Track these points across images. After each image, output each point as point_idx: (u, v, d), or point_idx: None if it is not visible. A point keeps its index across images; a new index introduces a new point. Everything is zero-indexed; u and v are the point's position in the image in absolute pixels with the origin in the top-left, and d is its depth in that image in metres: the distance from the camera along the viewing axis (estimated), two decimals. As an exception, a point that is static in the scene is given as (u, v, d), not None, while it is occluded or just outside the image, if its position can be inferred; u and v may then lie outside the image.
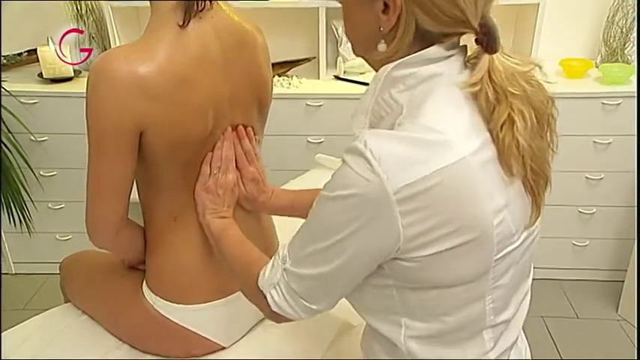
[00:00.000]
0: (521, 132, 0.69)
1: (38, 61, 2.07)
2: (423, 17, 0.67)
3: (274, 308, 0.78)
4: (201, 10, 0.87)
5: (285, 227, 1.18)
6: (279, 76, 2.19)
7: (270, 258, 0.81)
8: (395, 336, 0.76)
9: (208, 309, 1.03)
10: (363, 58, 0.79)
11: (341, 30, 2.23)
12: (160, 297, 1.02)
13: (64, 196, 2.21)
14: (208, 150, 0.97)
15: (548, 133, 0.74)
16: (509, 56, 0.71)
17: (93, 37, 2.18)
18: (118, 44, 2.06)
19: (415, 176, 0.63)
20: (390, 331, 0.77)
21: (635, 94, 1.97)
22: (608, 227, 2.20)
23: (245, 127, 1.01)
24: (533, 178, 0.72)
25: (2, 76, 2.07)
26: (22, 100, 2.01)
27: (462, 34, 0.71)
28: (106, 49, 2.18)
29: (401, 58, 0.71)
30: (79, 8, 2.11)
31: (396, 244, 0.66)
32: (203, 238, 1.01)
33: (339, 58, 2.19)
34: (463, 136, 0.67)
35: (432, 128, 0.66)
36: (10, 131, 2.01)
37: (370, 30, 0.72)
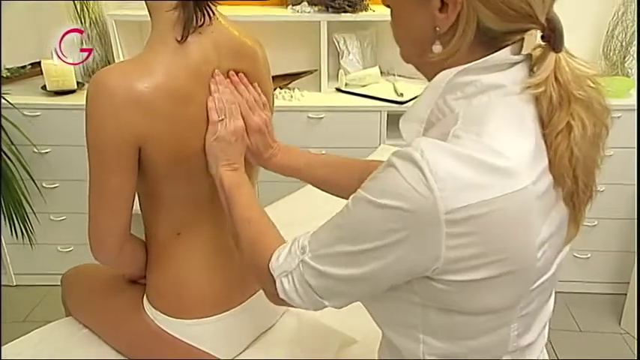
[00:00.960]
0: (577, 141, 0.64)
1: (42, 73, 2.09)
2: (486, 13, 0.62)
3: (282, 295, 0.75)
4: (200, 26, 0.88)
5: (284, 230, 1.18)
6: (281, 88, 2.20)
7: (278, 244, 0.78)
8: (414, 351, 0.73)
9: (209, 323, 1.02)
10: (413, 63, 0.74)
11: (342, 43, 2.25)
12: (161, 312, 1.02)
13: (65, 208, 2.22)
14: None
15: (601, 146, 0.68)
16: (573, 56, 0.66)
17: (96, 50, 2.20)
18: (120, 56, 2.08)
19: (471, 200, 0.59)
20: (408, 346, 0.74)
21: (635, 107, 1.98)
22: (610, 239, 2.19)
23: (237, 73, 0.96)
24: (578, 192, 0.68)
25: (6, 88, 2.09)
26: (25, 113, 2.02)
27: (527, 30, 0.66)
28: (109, 62, 2.21)
29: (459, 60, 0.66)
30: (82, 21, 2.14)
31: (433, 264, 0.63)
32: (206, 253, 1.01)
33: (341, 71, 2.21)
34: (527, 164, 0.63)
35: (498, 152, 0.61)
36: (13, 143, 2.02)
37: (425, 31, 0.67)
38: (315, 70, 2.25)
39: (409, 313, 0.71)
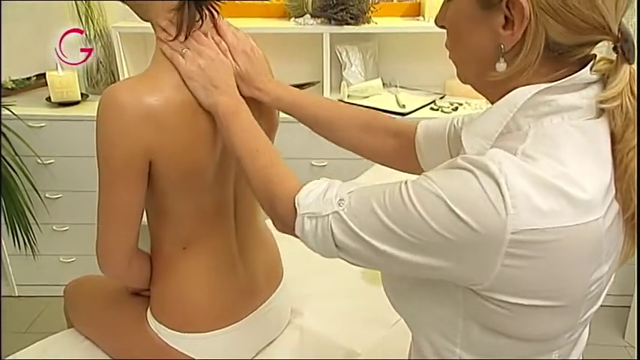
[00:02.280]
0: None
1: (47, 85, 2.10)
2: (555, 27, 0.59)
3: (297, 232, 0.72)
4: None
5: (289, 253, 1.18)
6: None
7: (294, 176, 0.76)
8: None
9: (214, 337, 1.02)
10: (473, 84, 0.71)
11: (345, 55, 2.26)
12: (165, 325, 1.02)
13: (68, 219, 2.22)
14: (218, 179, 0.97)
15: None
16: None
17: (101, 62, 2.22)
18: (125, 68, 2.09)
19: (541, 224, 0.57)
20: (441, 358, 0.72)
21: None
22: (614, 251, 2.18)
23: None
24: None
25: (11, 99, 2.11)
26: (29, 124, 2.03)
27: (597, 43, 0.63)
28: (113, 74, 2.23)
29: (525, 77, 0.63)
30: (87, 33, 2.15)
31: (484, 278, 0.61)
32: (211, 268, 1.01)
33: (343, 82, 2.22)
34: (602, 196, 0.60)
35: (576, 181, 0.58)
36: (17, 154, 2.03)
37: (487, 50, 0.64)
38: (318, 82, 2.26)
39: (449, 324, 0.69)
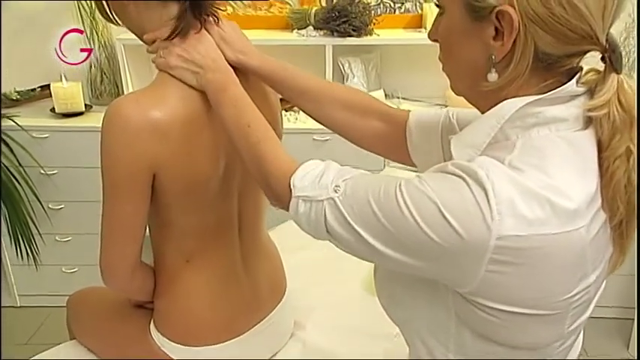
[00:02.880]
0: (635, 167, 0.62)
1: (51, 96, 2.12)
2: (544, 37, 0.60)
3: (291, 213, 0.72)
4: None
5: (290, 264, 1.18)
6: (286, 110, 2.22)
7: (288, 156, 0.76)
8: None
9: (217, 350, 1.02)
10: (466, 96, 0.72)
11: (347, 66, 2.27)
12: (168, 338, 1.01)
13: (71, 229, 2.22)
14: (222, 192, 0.97)
15: None
16: (633, 80, 0.64)
17: (105, 73, 2.23)
18: (128, 80, 2.11)
19: (526, 231, 0.58)
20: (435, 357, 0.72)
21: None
22: (617, 263, 2.17)
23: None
24: (629, 220, 0.66)
25: (16, 110, 2.12)
26: (33, 135, 2.04)
27: (585, 53, 0.64)
28: (117, 85, 2.24)
29: (515, 88, 0.64)
30: (92, 44, 2.17)
31: (468, 282, 0.62)
32: (214, 281, 1.01)
33: (346, 94, 2.23)
34: (587, 205, 0.61)
35: (562, 192, 0.60)
36: (20, 165, 2.04)
37: (479, 61, 0.65)
38: (320, 93, 2.27)
39: (442, 329, 0.70)
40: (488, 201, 0.58)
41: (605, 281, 0.72)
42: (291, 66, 0.96)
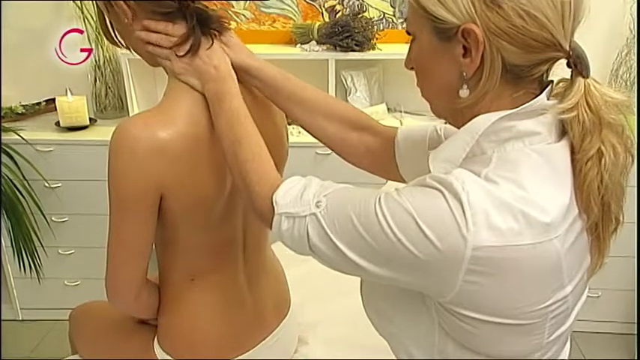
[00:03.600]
0: (608, 168, 0.64)
1: (56, 110, 2.13)
2: (509, 49, 0.63)
3: (275, 231, 0.73)
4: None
5: (292, 279, 1.18)
6: (289, 124, 2.23)
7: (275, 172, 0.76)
8: None
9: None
10: (446, 116, 0.75)
11: (350, 80, 2.28)
12: (172, 356, 1.01)
13: (74, 242, 2.22)
14: (227, 210, 0.96)
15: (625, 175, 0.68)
16: (599, 83, 0.66)
17: (109, 88, 2.25)
18: (133, 95, 2.12)
19: (500, 242, 0.59)
20: None
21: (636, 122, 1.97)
22: (622, 277, 2.16)
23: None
24: (604, 221, 0.68)
25: (21, 124, 2.14)
26: (37, 148, 2.06)
27: (551, 60, 0.67)
28: (121, 99, 2.26)
29: (489, 102, 0.67)
30: (97, 60, 2.19)
31: (446, 292, 0.63)
32: (219, 299, 1.00)
33: (348, 108, 2.24)
34: (562, 216, 0.63)
35: (536, 204, 0.61)
36: (25, 178, 2.05)
37: (452, 79, 0.68)
38: (323, 107, 2.28)
39: (426, 340, 0.70)
40: (464, 212, 0.60)
41: (587, 292, 0.73)
42: (292, 76, 0.98)
